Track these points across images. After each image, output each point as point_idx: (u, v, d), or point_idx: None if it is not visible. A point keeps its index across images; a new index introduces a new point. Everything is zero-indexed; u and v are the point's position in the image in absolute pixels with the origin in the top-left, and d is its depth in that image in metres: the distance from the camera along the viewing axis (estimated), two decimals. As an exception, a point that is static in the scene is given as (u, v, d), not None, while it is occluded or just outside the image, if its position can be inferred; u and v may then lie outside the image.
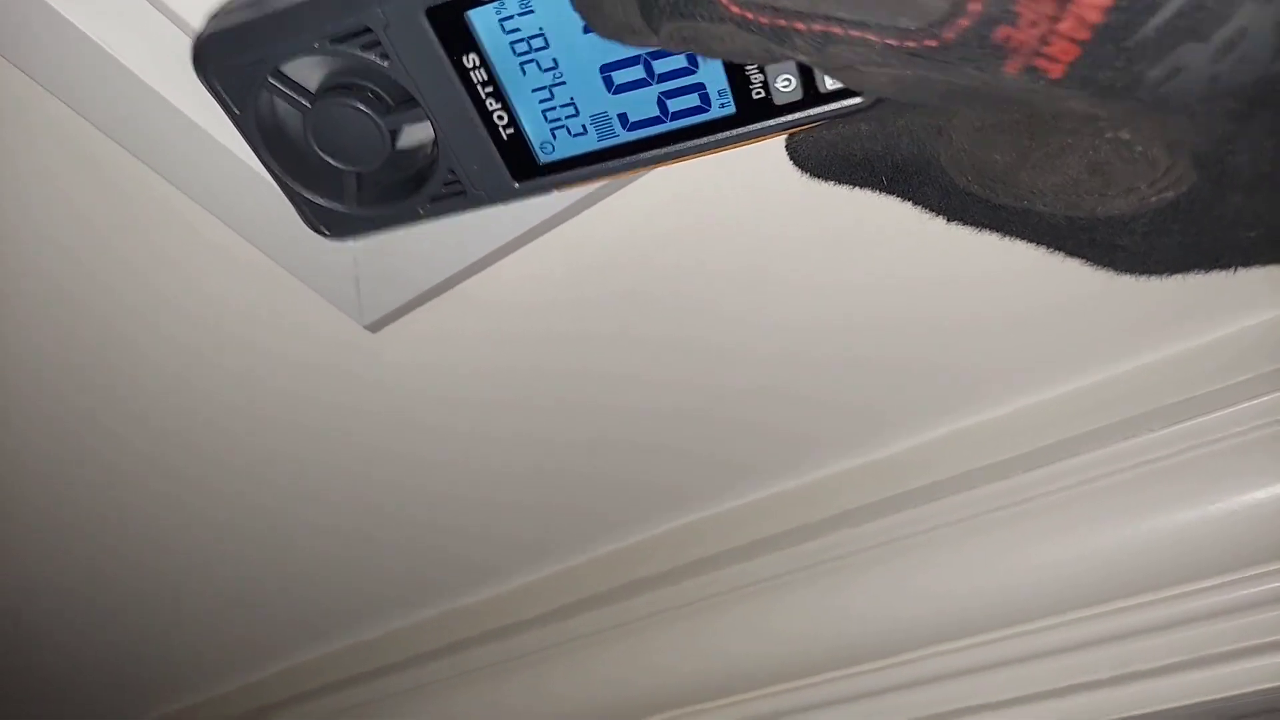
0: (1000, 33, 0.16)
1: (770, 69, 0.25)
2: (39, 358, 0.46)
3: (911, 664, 0.48)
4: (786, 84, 0.25)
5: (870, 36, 0.17)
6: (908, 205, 0.24)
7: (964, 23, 0.16)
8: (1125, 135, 0.18)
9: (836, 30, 0.17)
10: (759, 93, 0.25)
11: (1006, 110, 0.19)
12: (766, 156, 0.28)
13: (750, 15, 0.18)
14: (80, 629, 0.69)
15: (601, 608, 0.55)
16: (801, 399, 0.44)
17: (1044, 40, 0.16)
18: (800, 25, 0.18)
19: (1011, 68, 0.16)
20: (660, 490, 0.51)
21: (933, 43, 0.17)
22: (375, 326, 0.39)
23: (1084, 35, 0.16)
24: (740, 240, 0.37)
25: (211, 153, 0.32)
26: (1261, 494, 0.39)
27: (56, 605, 0.67)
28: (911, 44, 0.17)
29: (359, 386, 0.45)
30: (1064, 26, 0.16)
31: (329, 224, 0.32)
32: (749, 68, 0.25)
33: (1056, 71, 0.16)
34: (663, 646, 0.53)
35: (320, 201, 0.31)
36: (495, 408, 0.45)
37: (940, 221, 0.23)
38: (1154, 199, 0.19)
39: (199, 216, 0.36)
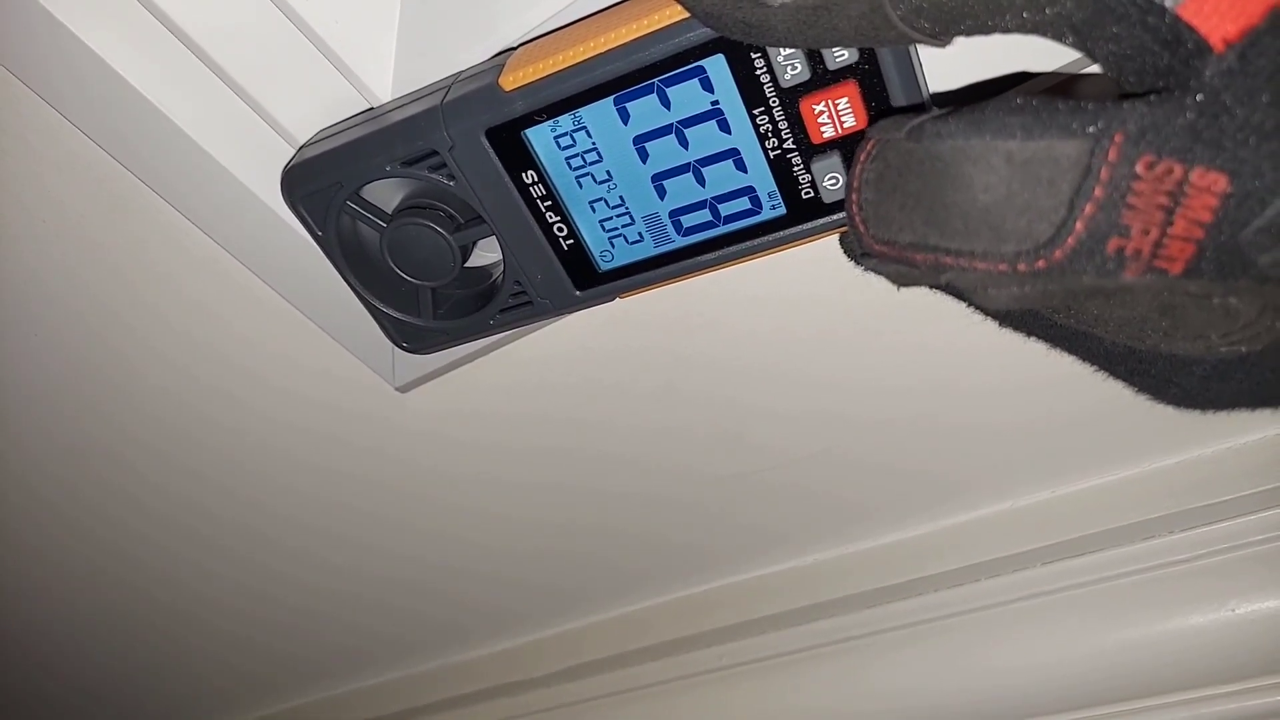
0: (1112, 245, 0.16)
1: (816, 167, 0.25)
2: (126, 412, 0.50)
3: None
4: (834, 182, 0.25)
5: (979, 264, 0.18)
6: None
7: (1071, 242, 0.17)
8: (1233, 300, 0.18)
9: (947, 260, 0.18)
10: (808, 193, 0.25)
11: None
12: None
13: (882, 249, 0.20)
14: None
15: (615, 670, 0.55)
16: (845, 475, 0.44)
17: (1159, 245, 0.16)
18: (917, 256, 0.19)
19: (1132, 272, 0.17)
20: (692, 552, 0.51)
21: (1042, 264, 0.17)
22: (405, 389, 0.41)
23: (1198, 234, 0.16)
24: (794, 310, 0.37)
25: (274, 227, 0.34)
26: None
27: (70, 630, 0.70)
28: (1022, 267, 0.17)
29: (386, 439, 0.47)
30: (1177, 229, 0.16)
31: (408, 338, 0.33)
32: (796, 168, 0.25)
33: (1177, 269, 0.16)
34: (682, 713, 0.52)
35: (399, 316, 0.32)
36: (529, 461, 0.47)
37: (991, 324, 0.23)
38: (1224, 349, 0.19)
39: (249, 278, 0.38)
